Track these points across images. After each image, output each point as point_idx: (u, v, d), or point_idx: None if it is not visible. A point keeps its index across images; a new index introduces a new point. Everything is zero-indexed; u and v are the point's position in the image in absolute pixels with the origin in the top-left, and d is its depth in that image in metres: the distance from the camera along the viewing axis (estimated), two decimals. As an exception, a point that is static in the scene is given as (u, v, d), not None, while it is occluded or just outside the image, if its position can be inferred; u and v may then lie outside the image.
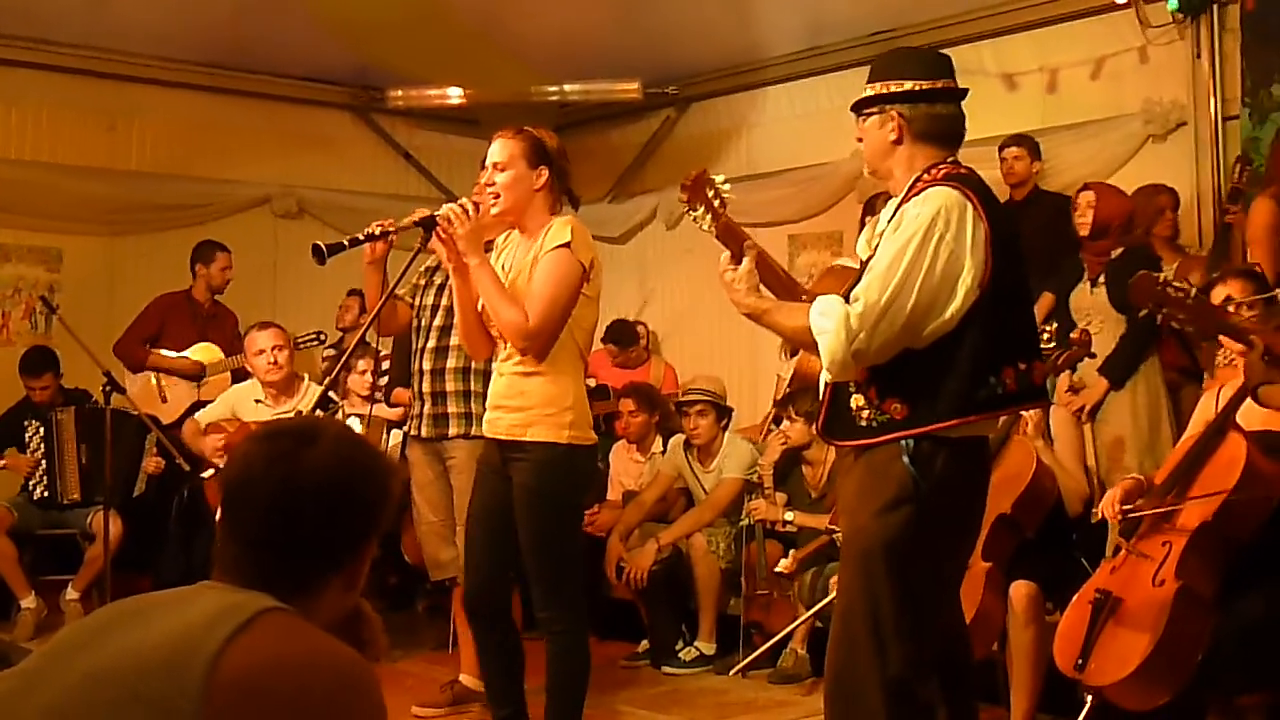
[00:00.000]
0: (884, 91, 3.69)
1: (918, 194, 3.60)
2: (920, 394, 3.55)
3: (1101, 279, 6.15)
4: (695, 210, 3.87)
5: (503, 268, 4.61)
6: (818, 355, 3.61)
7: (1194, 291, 4.21)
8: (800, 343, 3.74)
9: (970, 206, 3.54)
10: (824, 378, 3.77)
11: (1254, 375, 4.22)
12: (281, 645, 1.90)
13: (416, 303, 5.73)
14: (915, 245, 3.49)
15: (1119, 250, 6.17)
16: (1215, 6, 7.08)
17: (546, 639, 4.62)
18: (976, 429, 3.65)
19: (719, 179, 3.90)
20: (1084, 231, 6.26)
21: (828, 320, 3.51)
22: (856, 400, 3.64)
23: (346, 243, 4.55)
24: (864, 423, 3.62)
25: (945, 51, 4.03)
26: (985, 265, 3.52)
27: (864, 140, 3.77)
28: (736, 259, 3.77)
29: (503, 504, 4.58)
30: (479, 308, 4.59)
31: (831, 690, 3.73)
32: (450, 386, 5.59)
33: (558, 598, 4.57)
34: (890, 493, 3.56)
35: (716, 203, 3.86)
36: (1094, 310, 6.15)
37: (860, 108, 3.75)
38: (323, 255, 4.44)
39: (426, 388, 5.65)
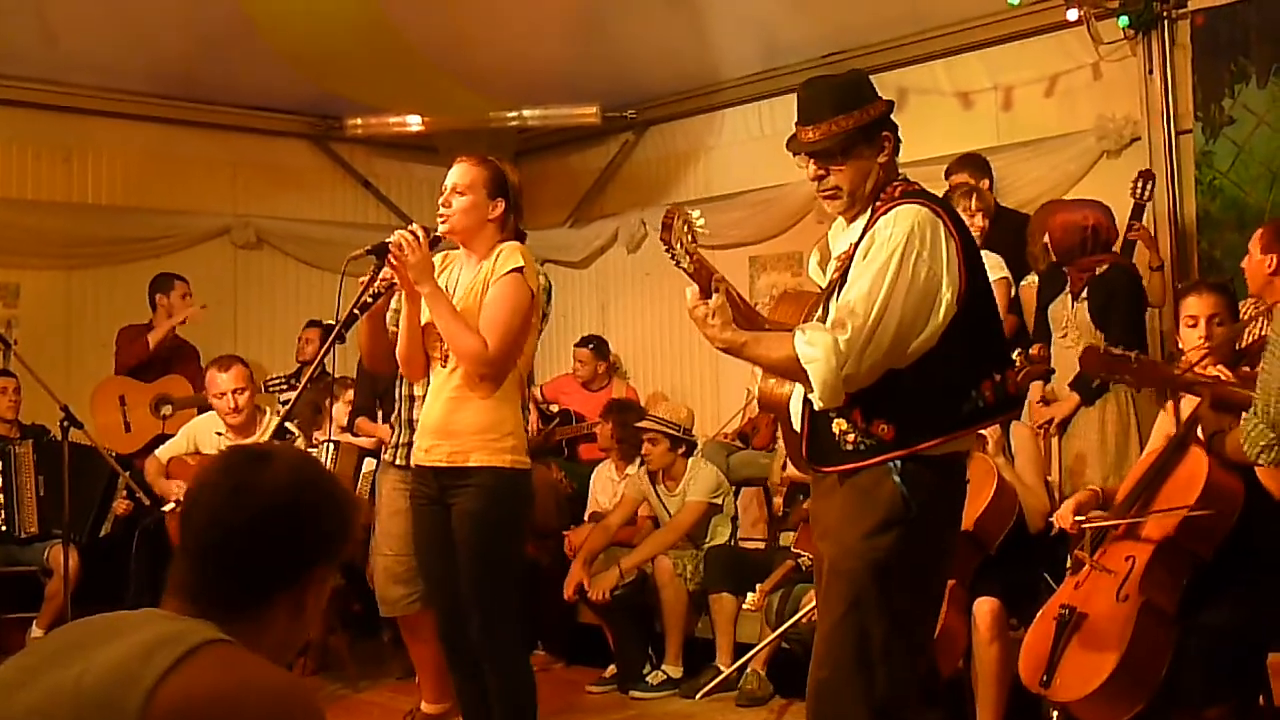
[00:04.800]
0: (871, 117, 3.64)
1: (884, 213, 3.58)
2: (906, 414, 3.55)
3: (1084, 294, 6.18)
4: (674, 249, 3.65)
5: (446, 288, 4.59)
6: (804, 384, 3.58)
7: (1135, 354, 4.26)
8: (785, 373, 3.68)
9: (941, 223, 3.54)
10: (795, 405, 3.77)
11: (1208, 425, 4.27)
12: (218, 676, 1.89)
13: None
14: (895, 265, 3.48)
15: (1104, 267, 6.19)
16: (1166, 22, 7.11)
17: (489, 666, 4.56)
18: (959, 445, 3.67)
19: (695, 214, 3.69)
20: (1053, 257, 6.28)
21: (815, 349, 3.48)
22: (839, 425, 3.61)
23: (358, 312, 4.52)
24: (849, 446, 3.60)
25: (900, 71, 4.04)
26: (960, 280, 3.53)
27: (846, 171, 3.66)
28: (706, 294, 3.65)
29: (448, 533, 4.53)
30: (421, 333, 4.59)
31: (814, 712, 3.71)
32: None
33: (500, 623, 4.53)
34: (880, 515, 3.55)
35: (689, 238, 3.68)
36: (1071, 324, 6.17)
37: (859, 138, 3.63)
38: (342, 337, 4.45)
39: (419, 415, 5.51)
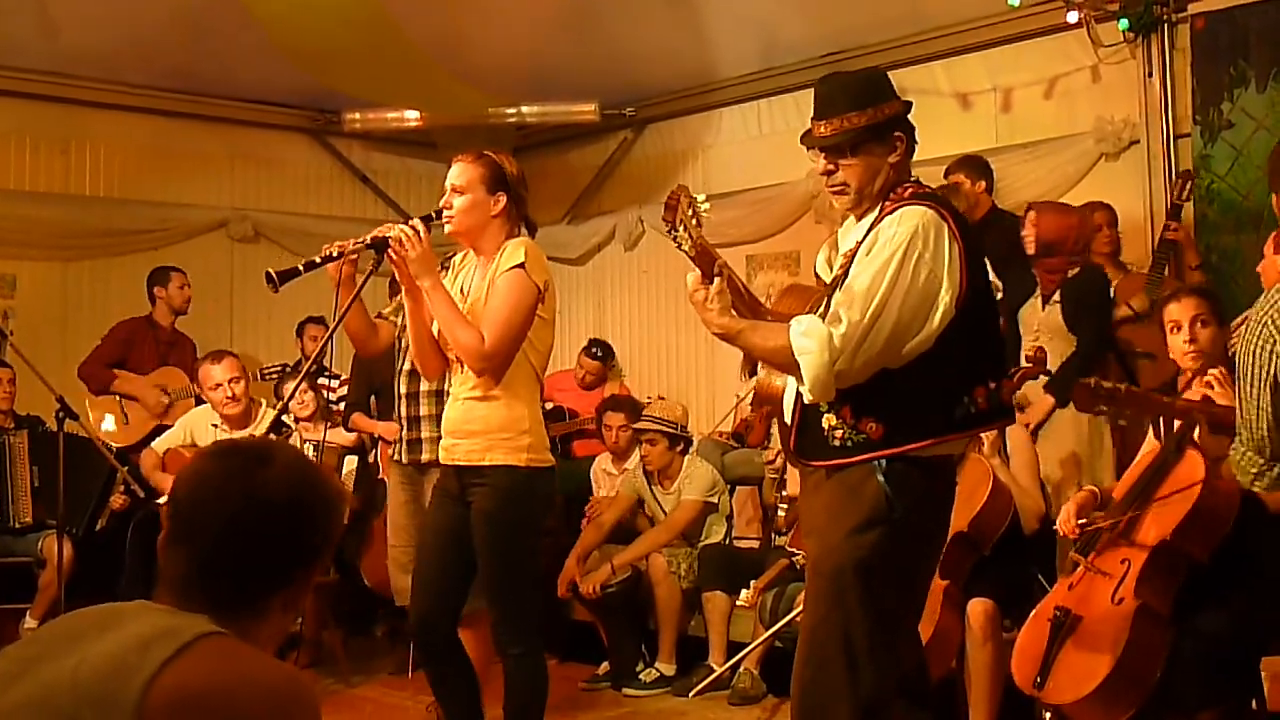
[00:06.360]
0: (885, 116, 3.64)
1: (890, 213, 3.58)
2: (897, 414, 3.55)
3: (1056, 297, 6.18)
4: (675, 231, 3.66)
5: (460, 290, 4.59)
6: (795, 375, 3.58)
7: (1125, 386, 4.24)
8: (778, 363, 3.67)
9: (946, 225, 3.53)
10: (788, 398, 3.77)
11: (1210, 451, 4.26)
12: (215, 668, 1.89)
13: (400, 322, 5.65)
14: (895, 264, 3.48)
15: (1075, 270, 6.19)
16: (1166, 25, 7.11)
17: (505, 662, 4.56)
18: (949, 448, 3.66)
19: (700, 198, 3.71)
20: (1030, 250, 6.27)
21: (810, 341, 3.47)
22: (829, 420, 3.61)
23: (301, 268, 4.48)
24: (837, 442, 3.60)
25: (900, 72, 4.01)
26: (961, 284, 3.52)
27: (855, 167, 3.66)
28: (707, 279, 3.65)
29: (457, 529, 4.52)
30: (434, 329, 4.58)
31: (799, 710, 3.70)
32: (425, 410, 5.57)
33: (518, 621, 4.52)
34: (864, 513, 3.55)
35: (693, 221, 3.68)
36: (1043, 328, 6.17)
37: (869, 136, 3.64)
38: (275, 283, 4.38)
39: (405, 411, 5.64)
